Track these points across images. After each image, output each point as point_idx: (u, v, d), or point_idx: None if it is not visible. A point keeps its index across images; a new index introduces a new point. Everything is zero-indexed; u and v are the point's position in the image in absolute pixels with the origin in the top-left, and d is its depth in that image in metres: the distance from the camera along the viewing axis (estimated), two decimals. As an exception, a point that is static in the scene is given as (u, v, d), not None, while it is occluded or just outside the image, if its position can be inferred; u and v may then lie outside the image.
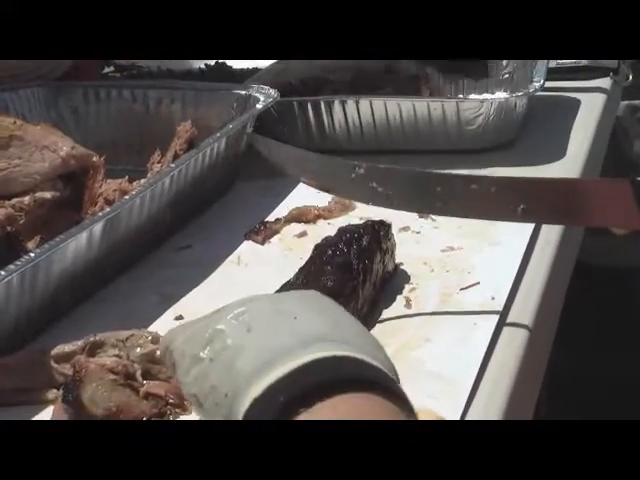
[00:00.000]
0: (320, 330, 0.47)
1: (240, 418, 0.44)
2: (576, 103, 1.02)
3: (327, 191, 0.71)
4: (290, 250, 0.74)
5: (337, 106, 0.90)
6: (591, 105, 1.02)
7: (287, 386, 0.43)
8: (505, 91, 0.99)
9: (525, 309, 0.64)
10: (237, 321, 0.48)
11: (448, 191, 0.62)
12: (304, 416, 0.42)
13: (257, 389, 0.44)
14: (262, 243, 0.76)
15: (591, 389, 1.27)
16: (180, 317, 0.66)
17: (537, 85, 0.89)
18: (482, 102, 0.87)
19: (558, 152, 0.89)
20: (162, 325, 0.64)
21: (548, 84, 0.92)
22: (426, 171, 0.65)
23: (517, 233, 0.72)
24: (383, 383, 0.44)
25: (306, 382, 0.43)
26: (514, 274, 0.67)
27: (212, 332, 0.48)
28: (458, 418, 0.51)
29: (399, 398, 0.43)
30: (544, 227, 0.75)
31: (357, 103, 0.89)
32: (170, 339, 0.52)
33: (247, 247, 0.76)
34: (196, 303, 0.68)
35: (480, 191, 0.61)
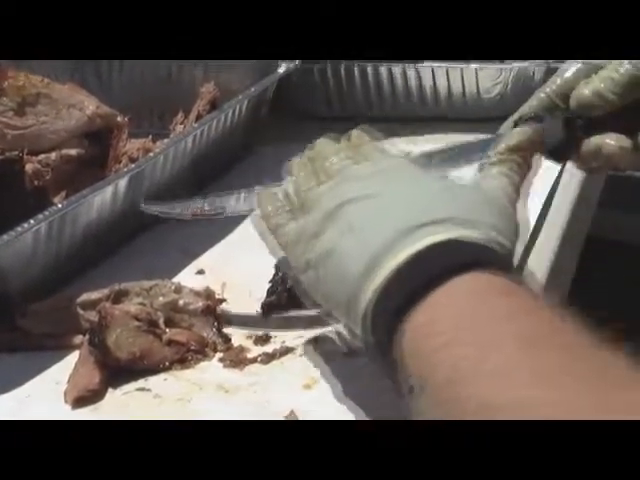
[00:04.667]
0: (415, 214, 0.45)
1: (360, 317, 0.44)
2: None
3: None
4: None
5: (357, 73, 0.92)
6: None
7: (395, 289, 0.43)
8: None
9: (537, 272, 0.66)
10: (330, 221, 0.48)
11: None
12: (431, 298, 0.41)
13: (370, 289, 0.43)
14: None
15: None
16: (201, 271, 0.68)
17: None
18: (501, 70, 0.88)
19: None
20: (184, 279, 0.66)
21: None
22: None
23: (529, 200, 0.73)
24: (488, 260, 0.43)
25: (412, 277, 0.42)
26: (526, 239, 0.68)
27: (310, 235, 0.48)
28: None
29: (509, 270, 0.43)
30: (557, 195, 0.76)
31: (376, 70, 0.91)
32: (275, 241, 0.53)
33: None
34: (216, 259, 0.70)
35: None
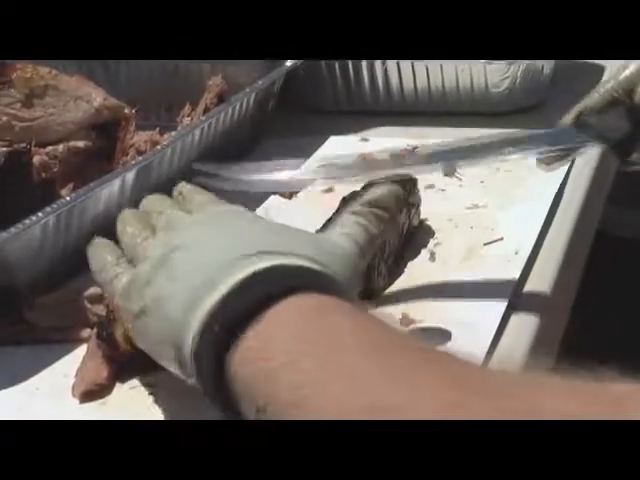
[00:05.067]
0: (238, 248, 0.45)
1: (188, 359, 0.43)
2: (600, 69, 1.02)
3: None
4: (316, 204, 0.76)
5: (365, 68, 0.91)
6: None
7: (225, 307, 0.42)
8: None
9: (548, 264, 0.65)
10: (160, 269, 0.47)
11: None
12: (260, 322, 0.40)
13: (194, 325, 0.43)
14: (289, 197, 0.77)
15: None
16: (209, 265, 0.68)
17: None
18: (509, 65, 0.87)
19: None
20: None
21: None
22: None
23: (541, 193, 0.73)
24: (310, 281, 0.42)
25: (236, 306, 0.41)
26: (537, 231, 0.68)
27: (141, 284, 0.48)
28: (483, 355, 0.53)
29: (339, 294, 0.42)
30: (567, 188, 0.76)
31: (384, 65, 0.90)
32: (111, 292, 0.52)
33: (274, 201, 0.77)
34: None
35: None
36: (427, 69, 0.89)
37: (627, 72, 0.57)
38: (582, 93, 0.94)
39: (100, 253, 0.55)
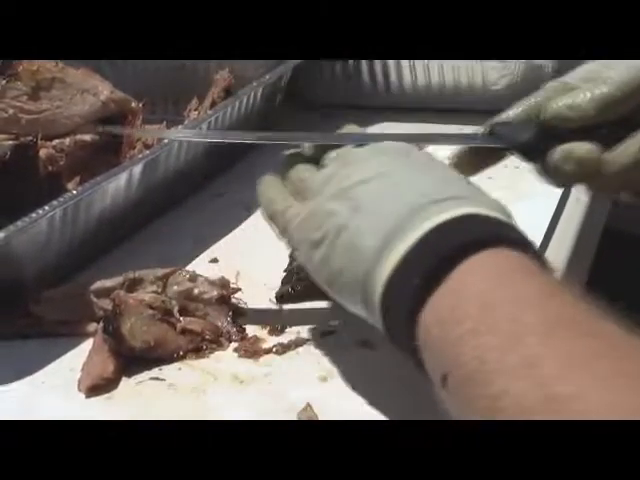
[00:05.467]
0: (428, 190, 0.44)
1: (377, 295, 0.42)
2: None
3: None
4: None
5: (364, 66, 0.91)
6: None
7: (420, 255, 0.41)
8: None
9: (556, 261, 0.65)
10: (341, 200, 0.47)
11: None
12: (452, 279, 0.39)
13: (387, 266, 0.42)
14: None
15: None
16: (215, 260, 0.68)
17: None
18: (507, 62, 0.86)
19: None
20: (197, 267, 0.65)
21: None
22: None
23: (549, 189, 0.72)
24: (519, 239, 0.42)
25: (439, 247, 0.40)
26: (545, 228, 0.68)
27: (322, 214, 0.47)
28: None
29: (535, 253, 0.42)
30: (574, 187, 0.75)
31: (384, 62, 0.90)
32: (283, 222, 0.52)
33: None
34: (230, 247, 0.70)
35: None
36: (427, 66, 0.89)
37: (540, 94, 0.57)
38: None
39: (270, 186, 0.54)
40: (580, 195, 0.75)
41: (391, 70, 0.90)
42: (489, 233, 0.41)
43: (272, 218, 0.54)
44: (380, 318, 0.44)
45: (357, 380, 0.53)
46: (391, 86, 0.91)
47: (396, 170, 0.48)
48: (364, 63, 0.91)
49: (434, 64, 0.88)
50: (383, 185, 0.47)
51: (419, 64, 0.89)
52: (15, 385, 0.55)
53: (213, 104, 0.78)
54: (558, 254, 0.67)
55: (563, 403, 0.33)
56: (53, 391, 0.54)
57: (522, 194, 0.73)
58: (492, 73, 0.87)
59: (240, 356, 0.56)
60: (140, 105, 0.76)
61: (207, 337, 0.58)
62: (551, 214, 0.69)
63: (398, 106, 0.91)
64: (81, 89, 0.74)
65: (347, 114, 0.91)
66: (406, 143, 0.52)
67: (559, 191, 0.72)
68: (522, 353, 0.36)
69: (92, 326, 0.60)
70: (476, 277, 0.40)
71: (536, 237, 0.66)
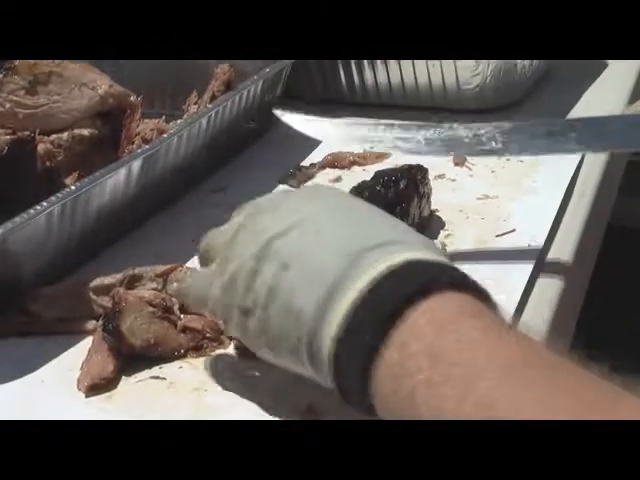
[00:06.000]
0: (357, 237, 0.42)
1: (325, 355, 0.41)
2: (604, 65, 1.01)
3: None
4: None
5: (339, 64, 0.91)
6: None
7: (365, 310, 0.39)
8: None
9: (561, 256, 0.64)
10: (264, 258, 0.44)
11: None
12: (402, 331, 0.38)
13: (333, 323, 0.40)
14: (297, 187, 0.76)
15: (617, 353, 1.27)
16: (215, 256, 0.67)
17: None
18: (478, 62, 0.85)
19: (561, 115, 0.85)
20: (197, 263, 0.64)
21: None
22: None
23: (553, 183, 0.72)
24: (464, 283, 0.40)
25: (383, 300, 0.39)
26: (550, 223, 0.67)
27: (246, 276, 0.44)
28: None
29: (482, 294, 0.40)
30: (580, 178, 0.74)
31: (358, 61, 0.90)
32: (200, 294, 0.49)
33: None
34: (231, 243, 0.69)
35: None
36: (399, 65, 0.88)
37: None
38: (573, 93, 0.93)
39: (191, 283, 0.52)
40: (585, 190, 0.74)
41: (365, 68, 0.90)
42: (431, 278, 0.40)
43: (206, 309, 0.50)
44: (330, 377, 0.42)
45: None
46: (365, 84, 0.91)
47: (312, 216, 0.45)
48: (339, 62, 0.91)
49: (407, 63, 0.88)
50: (304, 236, 0.44)
51: (392, 62, 0.88)
52: (13, 384, 0.54)
53: (213, 98, 0.77)
54: (563, 249, 0.66)
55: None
56: (52, 390, 0.54)
57: (526, 189, 0.72)
58: (464, 72, 0.86)
59: (241, 355, 0.56)
60: (139, 99, 0.75)
61: (208, 335, 0.57)
62: (556, 209, 0.69)
63: (376, 103, 0.91)
64: (79, 83, 0.73)
65: (352, 108, 0.91)
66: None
67: (563, 186, 0.72)
68: (475, 400, 0.35)
69: (91, 324, 0.59)
70: (424, 327, 0.39)
71: (541, 232, 0.66)
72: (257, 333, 0.45)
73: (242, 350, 0.55)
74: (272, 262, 0.44)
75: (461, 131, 0.61)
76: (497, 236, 0.66)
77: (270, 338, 0.44)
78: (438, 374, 0.37)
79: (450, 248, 0.65)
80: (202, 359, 0.55)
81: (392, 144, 0.63)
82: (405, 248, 0.42)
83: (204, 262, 0.51)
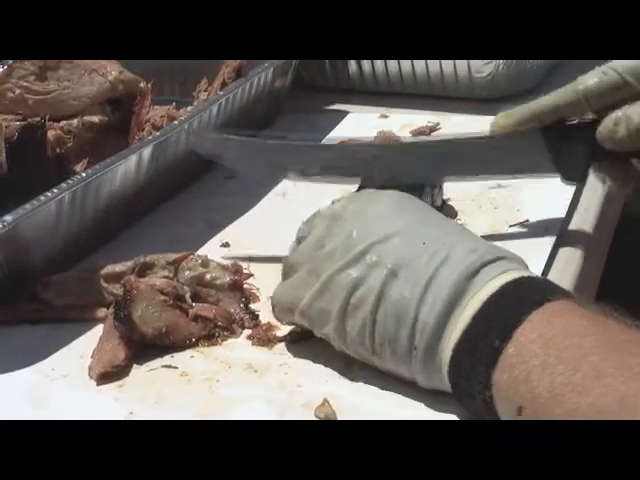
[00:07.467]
0: (468, 252, 0.47)
1: (446, 358, 0.45)
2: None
3: None
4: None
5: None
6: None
7: (488, 319, 0.44)
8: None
9: (575, 247, 0.64)
10: (369, 263, 0.48)
11: None
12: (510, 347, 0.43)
13: (454, 334, 0.45)
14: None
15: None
16: (226, 244, 0.66)
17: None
18: None
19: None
20: (208, 251, 0.64)
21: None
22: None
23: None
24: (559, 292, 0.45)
25: (505, 311, 0.44)
26: (564, 212, 0.66)
27: (349, 281, 0.48)
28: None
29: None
30: (584, 192, 0.73)
31: None
32: (288, 300, 0.52)
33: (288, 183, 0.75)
34: (241, 231, 0.68)
35: None
36: None
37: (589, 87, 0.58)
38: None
39: (280, 294, 0.54)
40: (597, 184, 0.73)
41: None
42: (539, 292, 0.45)
43: (293, 317, 0.53)
44: (447, 378, 0.46)
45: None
46: (376, 72, 0.91)
47: (409, 225, 0.49)
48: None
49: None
50: (408, 244, 0.48)
51: None
52: (24, 372, 0.54)
53: (223, 85, 0.76)
54: (576, 240, 0.65)
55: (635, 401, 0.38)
56: (63, 378, 0.53)
57: (538, 184, 0.71)
58: (476, 61, 0.86)
59: (254, 344, 0.55)
60: (149, 86, 0.75)
61: (220, 324, 0.57)
62: (569, 200, 0.68)
63: (383, 90, 0.91)
64: (89, 69, 0.72)
65: (359, 97, 0.91)
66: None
67: (568, 199, 0.70)
68: (585, 372, 0.40)
69: (102, 311, 0.58)
70: (536, 322, 0.44)
71: (555, 222, 0.65)
72: (359, 336, 0.48)
73: (256, 339, 0.55)
74: (377, 268, 0.48)
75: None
76: (510, 226, 0.65)
77: (375, 342, 0.48)
78: (552, 356, 0.42)
79: (463, 238, 0.64)
80: (214, 348, 0.55)
81: None
82: (513, 266, 0.47)
83: (286, 277, 0.53)
